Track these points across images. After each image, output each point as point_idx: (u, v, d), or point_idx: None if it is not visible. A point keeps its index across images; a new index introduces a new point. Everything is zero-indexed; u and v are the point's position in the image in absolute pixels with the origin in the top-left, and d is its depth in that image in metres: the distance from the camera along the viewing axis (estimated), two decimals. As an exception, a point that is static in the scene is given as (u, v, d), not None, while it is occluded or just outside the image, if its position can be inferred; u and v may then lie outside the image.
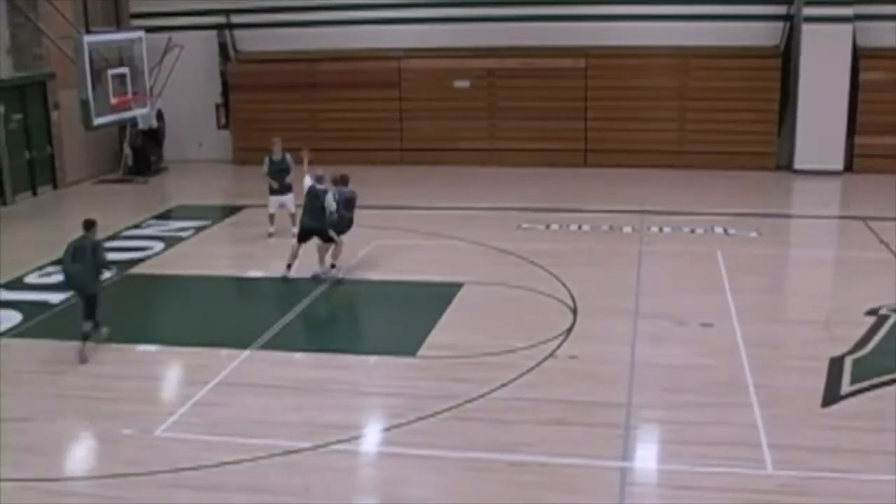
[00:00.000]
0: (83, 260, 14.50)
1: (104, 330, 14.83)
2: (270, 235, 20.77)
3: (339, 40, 29.90)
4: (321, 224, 17.76)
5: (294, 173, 20.56)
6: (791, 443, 11.13)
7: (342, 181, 18.32)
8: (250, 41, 30.91)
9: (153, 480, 10.57)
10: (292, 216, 20.53)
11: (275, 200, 20.89)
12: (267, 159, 20.87)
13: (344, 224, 18.05)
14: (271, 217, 20.92)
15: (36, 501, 10.28)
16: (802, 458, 10.75)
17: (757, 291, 17.17)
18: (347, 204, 18.12)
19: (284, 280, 17.95)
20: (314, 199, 17.79)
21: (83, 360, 14.18)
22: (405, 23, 29.51)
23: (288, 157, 20.84)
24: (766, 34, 27.89)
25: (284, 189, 20.79)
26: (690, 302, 16.25)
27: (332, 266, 17.99)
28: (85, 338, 14.41)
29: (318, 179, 18.04)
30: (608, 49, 28.42)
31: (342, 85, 29.83)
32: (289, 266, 18.06)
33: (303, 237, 18.03)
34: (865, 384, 12.70)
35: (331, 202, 17.71)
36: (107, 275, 15.62)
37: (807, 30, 26.78)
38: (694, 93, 28.09)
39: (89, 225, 14.67)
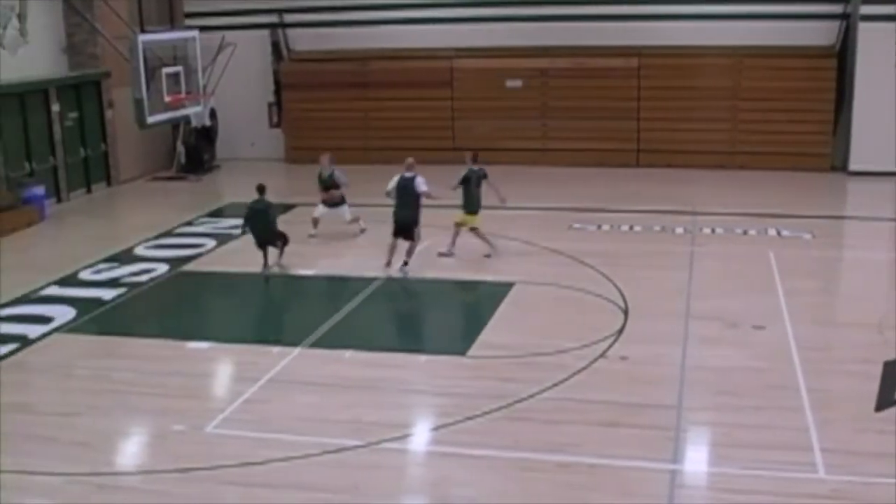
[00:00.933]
0: (257, 217, 18.35)
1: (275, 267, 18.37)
2: (311, 237, 20.71)
3: (392, 40, 29.95)
4: (416, 216, 17.97)
5: (345, 186, 20.72)
6: (843, 447, 10.99)
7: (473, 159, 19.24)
8: (303, 40, 31.05)
9: (202, 476, 10.63)
10: (351, 222, 20.74)
11: (321, 208, 20.90)
12: (318, 174, 20.90)
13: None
14: (315, 221, 20.86)
15: (86, 495, 10.37)
16: (855, 463, 10.61)
17: (810, 294, 16.97)
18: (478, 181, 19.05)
19: (388, 277, 17.94)
20: (405, 190, 17.87)
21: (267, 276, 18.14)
22: (457, 22, 29.49)
23: (337, 172, 20.73)
24: (821, 33, 27.57)
25: (335, 205, 20.80)
26: (742, 304, 16.10)
27: (405, 263, 17.98)
28: (265, 266, 18.32)
29: (408, 167, 18.18)
30: (661, 49, 28.24)
31: (394, 84, 29.88)
32: (388, 263, 18.13)
33: (398, 231, 18.08)
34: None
35: (421, 184, 17.91)
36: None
37: (863, 28, 26.43)
38: (747, 93, 27.81)
39: (262, 189, 18.65)
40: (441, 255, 18.91)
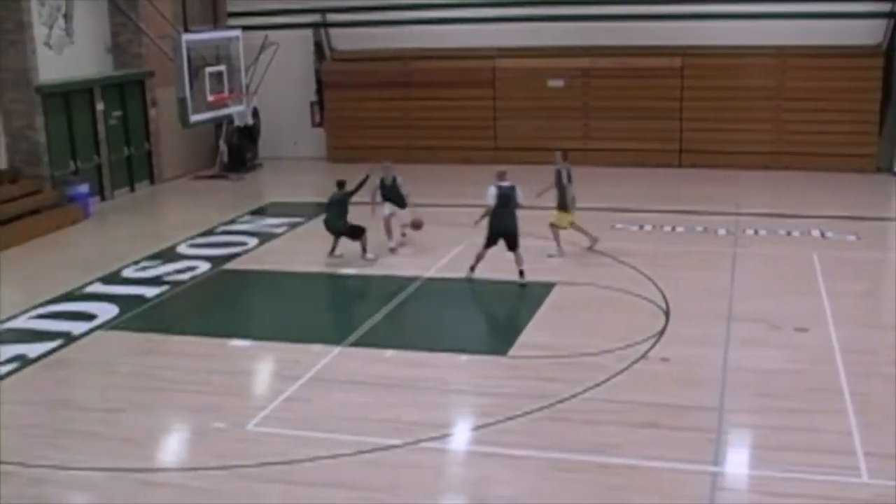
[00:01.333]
0: (334, 207, 18.98)
1: (369, 256, 19.02)
2: (392, 251, 19.75)
3: (434, 39, 29.98)
4: (516, 226, 17.45)
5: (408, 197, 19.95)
6: (887, 451, 10.85)
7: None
8: (345, 40, 31.15)
9: (243, 474, 10.68)
10: (405, 226, 20.24)
11: (388, 207, 19.95)
12: (378, 182, 19.83)
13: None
14: (387, 225, 19.88)
15: (129, 491, 10.46)
16: (899, 468, 10.51)
17: (854, 296, 16.81)
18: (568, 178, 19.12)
19: (469, 280, 17.80)
20: (507, 200, 17.39)
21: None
22: (499, 22, 29.51)
23: (399, 179, 19.86)
24: (867, 32, 27.32)
25: (399, 205, 20.04)
26: (785, 306, 15.97)
27: (521, 273, 17.49)
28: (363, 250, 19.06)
29: (501, 176, 17.65)
30: (704, 48, 28.09)
31: (436, 84, 29.91)
32: (473, 269, 17.83)
33: (493, 241, 17.55)
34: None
35: (521, 197, 17.60)
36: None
37: (910, 28, 26.20)
38: (791, 93, 27.61)
39: (341, 184, 19.18)
40: (551, 256, 18.90)
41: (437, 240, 20.07)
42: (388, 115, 30.24)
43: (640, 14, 28.45)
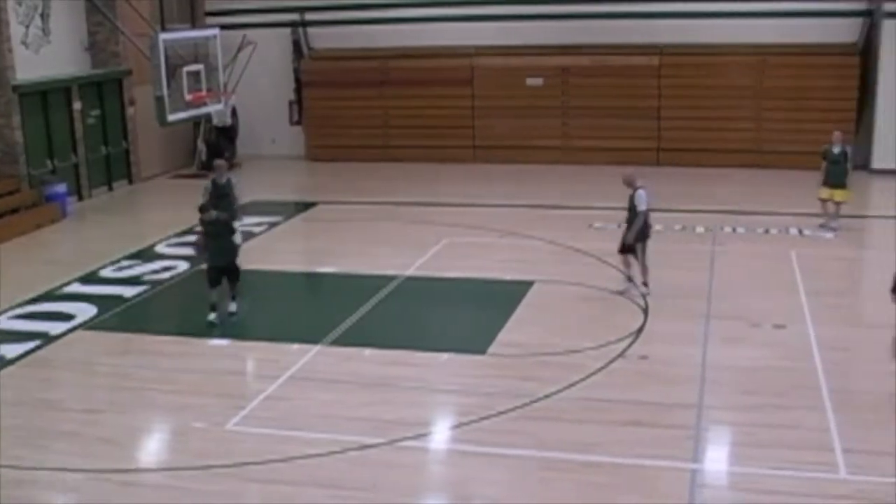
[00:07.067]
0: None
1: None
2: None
3: (413, 38, 29.95)
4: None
5: None
6: (865, 448, 10.94)
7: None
8: (324, 39, 31.09)
9: (224, 473, 10.67)
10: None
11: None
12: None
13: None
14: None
15: (108, 491, 10.42)
16: (877, 464, 10.56)
17: (832, 294, 16.90)
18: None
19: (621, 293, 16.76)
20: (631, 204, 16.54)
21: None
22: (478, 20, 29.49)
23: (234, 180, 16.43)
24: (844, 31, 27.45)
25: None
26: (763, 303, 16.05)
27: (645, 284, 16.65)
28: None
29: (633, 180, 16.63)
30: (683, 47, 28.18)
31: (415, 82, 29.88)
32: (629, 277, 16.84)
33: (623, 248, 16.74)
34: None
35: (642, 198, 16.44)
36: None
37: (888, 26, 26.31)
38: (770, 91, 27.71)
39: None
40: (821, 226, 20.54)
41: (416, 238, 20.07)
42: (367, 113, 30.21)
43: (618, 13, 28.49)
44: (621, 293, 16.62)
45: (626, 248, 16.65)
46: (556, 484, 10.41)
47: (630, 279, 16.73)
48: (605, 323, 15.26)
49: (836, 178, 20.56)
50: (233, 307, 16.04)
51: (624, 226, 16.78)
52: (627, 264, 16.79)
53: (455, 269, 18.32)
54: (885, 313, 15.55)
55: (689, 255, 19.23)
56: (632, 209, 16.46)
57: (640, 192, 16.44)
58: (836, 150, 20.66)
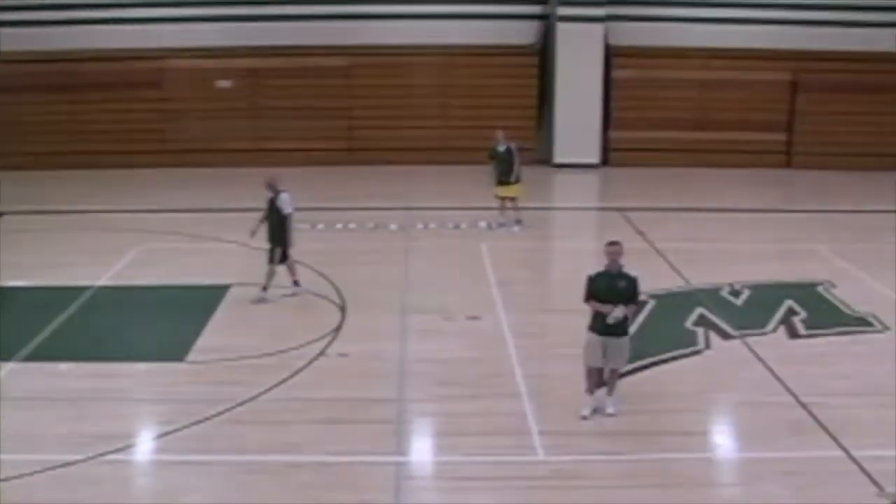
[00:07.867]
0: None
1: None
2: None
3: (104, 40, 28.76)
4: None
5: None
6: (559, 429, 11.43)
7: None
8: (13, 39, 29.29)
9: None
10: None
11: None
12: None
13: None
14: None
15: None
16: (573, 443, 11.05)
17: (521, 283, 17.57)
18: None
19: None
20: None
21: None
22: (168, 22, 28.73)
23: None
24: (524, 33, 28.56)
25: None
26: (457, 296, 16.48)
27: (296, 283, 16.85)
28: None
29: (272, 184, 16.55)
30: (371, 48, 28.52)
31: (104, 86, 28.71)
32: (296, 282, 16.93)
33: None
34: (633, 366, 13.02)
35: (286, 201, 16.27)
36: None
37: (561, 29, 27.59)
38: (457, 90, 28.52)
39: None
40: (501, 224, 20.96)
41: (108, 247, 19.40)
42: (54, 118, 28.71)
43: (307, 14, 28.51)
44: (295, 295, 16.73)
45: (285, 256, 16.68)
46: (262, 487, 10.29)
47: (297, 283, 16.83)
48: (303, 323, 15.26)
49: (505, 176, 21.01)
50: None
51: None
52: (293, 271, 16.85)
53: (150, 276, 17.81)
54: (570, 299, 16.30)
55: (383, 252, 19.47)
56: (274, 212, 16.41)
57: (284, 196, 16.43)
58: (502, 147, 21.10)
